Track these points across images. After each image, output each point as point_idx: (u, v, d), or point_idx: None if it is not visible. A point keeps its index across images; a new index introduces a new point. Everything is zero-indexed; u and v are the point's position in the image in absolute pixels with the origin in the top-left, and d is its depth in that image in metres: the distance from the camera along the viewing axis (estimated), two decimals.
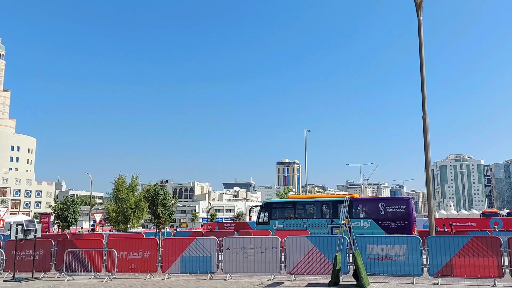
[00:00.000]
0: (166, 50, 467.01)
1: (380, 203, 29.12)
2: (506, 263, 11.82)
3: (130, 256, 14.56)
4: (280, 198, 46.33)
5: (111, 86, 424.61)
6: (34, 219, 48.72)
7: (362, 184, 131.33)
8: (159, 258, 14.49)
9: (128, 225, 36.34)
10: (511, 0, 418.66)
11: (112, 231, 37.49)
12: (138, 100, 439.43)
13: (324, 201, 31.60)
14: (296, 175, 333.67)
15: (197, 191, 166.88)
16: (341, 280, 12.41)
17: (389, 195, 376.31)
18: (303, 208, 31.83)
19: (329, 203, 31.07)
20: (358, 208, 29.79)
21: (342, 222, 13.84)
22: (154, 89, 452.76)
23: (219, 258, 14.03)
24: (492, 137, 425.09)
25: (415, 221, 29.90)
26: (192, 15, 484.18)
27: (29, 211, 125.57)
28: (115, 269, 14.26)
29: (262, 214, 31.03)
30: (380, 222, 28.22)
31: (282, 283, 12.75)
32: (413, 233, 25.64)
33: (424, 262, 12.47)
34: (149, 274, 14.37)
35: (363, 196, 39.10)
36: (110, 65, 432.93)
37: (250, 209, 29.39)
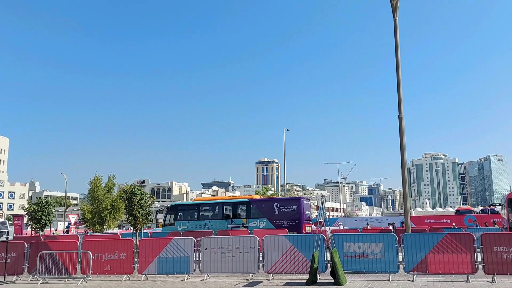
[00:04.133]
0: (139, 44, 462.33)
1: (275, 204, 31.35)
2: (479, 259, 12.05)
3: (105, 258, 14.33)
4: (260, 197, 46.60)
5: (86, 85, 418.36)
6: (7, 221, 47.67)
7: (340, 182, 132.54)
8: (136, 259, 14.30)
9: (104, 226, 35.87)
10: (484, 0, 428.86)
11: (88, 233, 36.89)
12: (114, 99, 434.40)
13: (225, 203, 33.65)
14: (275, 174, 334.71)
15: (175, 191, 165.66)
16: (318, 278, 12.45)
17: (366, 194, 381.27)
18: (206, 210, 33.56)
19: (230, 204, 33.16)
20: (255, 208, 31.83)
21: (320, 220, 13.88)
22: (130, 87, 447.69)
23: (197, 259, 13.92)
24: (466, 136, 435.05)
25: (310, 220, 32.49)
26: (171, 9, 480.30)
27: (2, 213, 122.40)
28: (90, 271, 14.00)
29: (168, 216, 32.47)
30: (274, 221, 30.38)
31: (260, 282, 12.73)
32: (303, 231, 27.43)
33: (400, 259, 12.62)
34: (125, 275, 14.17)
35: (264, 197, 41.93)
36: (85, 62, 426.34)
37: (157, 212, 30.45)
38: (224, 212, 32.73)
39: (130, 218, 21.08)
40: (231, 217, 32.10)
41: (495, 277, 11.65)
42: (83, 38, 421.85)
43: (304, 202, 32.21)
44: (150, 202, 21.84)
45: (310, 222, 32.30)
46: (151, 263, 14.04)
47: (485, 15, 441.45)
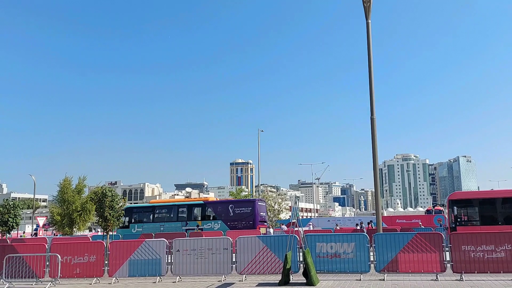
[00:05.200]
0: (110, 44, 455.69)
1: (230, 206, 32.15)
2: (448, 258, 12.30)
3: (75, 261, 14.05)
4: (234, 198, 46.88)
5: (55, 83, 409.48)
6: None
7: (314, 183, 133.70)
8: (106, 262, 14.06)
9: (74, 229, 35.20)
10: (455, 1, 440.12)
11: (57, 235, 36.12)
12: (84, 99, 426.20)
13: (180, 205, 34.07)
14: (249, 175, 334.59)
15: (147, 193, 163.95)
16: (291, 279, 12.49)
17: (339, 194, 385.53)
18: (161, 212, 34.00)
19: (185, 206, 33.65)
20: (210, 210, 32.58)
21: (293, 221, 13.92)
22: (102, 87, 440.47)
23: (169, 260, 13.78)
24: (436, 138, 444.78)
25: (265, 221, 33.36)
26: (146, 10, 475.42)
27: None
28: (59, 275, 13.68)
29: (122, 219, 32.95)
30: (229, 223, 31.13)
31: (233, 283, 12.68)
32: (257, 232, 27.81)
33: (372, 258, 12.78)
34: (95, 278, 13.90)
35: (219, 199, 42.74)
36: (55, 60, 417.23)
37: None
38: (179, 215, 32.97)
39: (100, 220, 20.71)
40: (186, 219, 32.39)
41: (463, 276, 11.92)
42: (57, 34, 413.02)
43: (259, 204, 32.81)
44: (121, 203, 21.51)
45: (265, 224, 33.12)
46: (122, 265, 13.83)
47: (459, 17, 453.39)
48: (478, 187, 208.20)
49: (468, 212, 25.44)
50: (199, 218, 32.56)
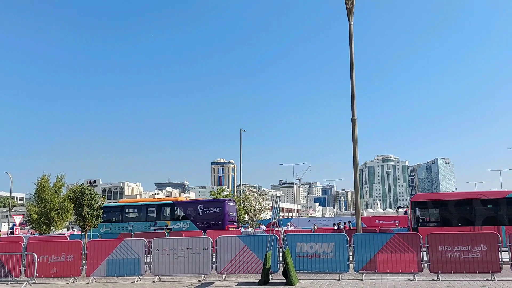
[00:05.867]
0: (92, 41, 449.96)
1: (200, 205, 32.35)
2: (425, 258, 12.48)
3: (52, 260, 13.82)
4: (214, 197, 46.91)
5: (33, 77, 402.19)
6: None
7: (295, 183, 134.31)
8: (84, 261, 13.88)
9: (52, 227, 34.70)
10: (435, 4, 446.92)
11: (34, 234, 35.50)
12: (62, 94, 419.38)
13: (149, 205, 34.16)
14: (231, 175, 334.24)
15: (127, 192, 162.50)
16: (271, 279, 12.51)
17: (320, 195, 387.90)
18: (130, 211, 34.02)
19: (154, 206, 33.82)
20: (179, 210, 32.75)
21: (274, 221, 13.94)
22: (81, 84, 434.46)
23: (148, 260, 13.67)
24: (416, 139, 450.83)
25: (235, 221, 33.69)
26: (130, 9, 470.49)
27: None
28: (35, 274, 13.44)
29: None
30: (198, 223, 31.33)
31: (212, 283, 12.65)
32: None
33: (350, 258, 12.89)
34: (73, 278, 13.71)
35: (188, 199, 43.12)
36: (32, 57, 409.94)
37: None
38: (148, 214, 32.97)
39: (78, 219, 20.42)
40: (155, 219, 32.42)
41: (439, 275, 12.11)
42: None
43: (229, 203, 33.05)
44: (100, 202, 21.25)
45: (235, 224, 33.32)
46: (100, 265, 13.66)
47: (443, 22, 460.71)
48: (456, 188, 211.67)
49: (430, 213, 26.11)
50: (168, 218, 32.61)
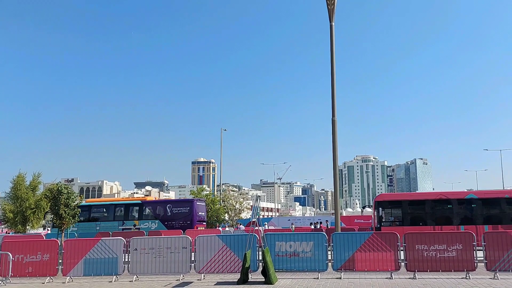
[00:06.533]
0: (69, 39, 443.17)
1: (168, 205, 32.50)
2: (402, 257, 12.66)
3: (27, 259, 13.58)
4: (194, 197, 46.70)
5: (8, 78, 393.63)
6: None
7: (276, 183, 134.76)
8: (60, 261, 13.66)
9: (28, 227, 34.09)
10: (420, 6, 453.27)
11: (9, 233, 34.82)
12: (37, 91, 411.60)
13: (117, 204, 34.17)
14: (211, 174, 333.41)
15: (105, 191, 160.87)
16: (250, 278, 12.52)
17: (300, 194, 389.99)
18: (98, 211, 33.94)
19: (122, 206, 33.81)
20: (148, 210, 32.80)
21: (254, 220, 13.94)
22: (59, 82, 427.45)
23: (126, 259, 13.52)
24: (395, 140, 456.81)
25: (204, 221, 33.91)
26: (113, 9, 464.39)
27: None
28: (10, 273, 13.18)
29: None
30: (166, 222, 31.52)
31: (191, 282, 12.60)
32: None
33: (329, 257, 12.98)
34: (49, 277, 13.49)
35: (157, 199, 43.36)
36: (8, 54, 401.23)
37: (46, 213, 30.79)
38: (116, 214, 32.92)
39: (55, 218, 20.10)
40: (123, 219, 32.40)
41: (416, 274, 12.29)
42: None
43: (198, 203, 33.20)
44: (77, 201, 20.95)
45: (204, 223, 33.47)
46: (76, 264, 13.46)
47: (423, 22, 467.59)
48: (433, 188, 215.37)
49: (392, 213, 26.68)
50: (137, 218, 32.52)
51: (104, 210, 33.59)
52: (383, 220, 25.96)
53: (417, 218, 25.81)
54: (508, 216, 24.62)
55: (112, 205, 34.02)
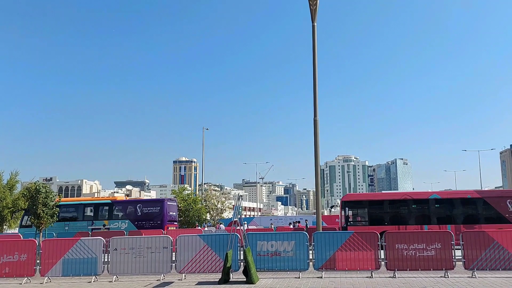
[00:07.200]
0: (49, 35, 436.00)
1: (138, 205, 32.44)
2: (382, 256, 12.78)
3: (3, 260, 13.31)
4: (175, 196, 46.29)
5: None
6: None
7: (258, 182, 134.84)
8: (38, 261, 13.42)
9: (4, 226, 33.43)
10: (400, 8, 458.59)
11: None
12: (16, 90, 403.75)
13: (86, 204, 34.04)
14: (193, 174, 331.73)
15: (85, 190, 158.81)
16: (231, 277, 12.48)
17: (282, 193, 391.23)
18: (66, 211, 33.36)
19: (91, 206, 33.70)
20: (118, 210, 32.65)
21: (235, 220, 13.91)
22: (37, 78, 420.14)
23: (106, 260, 13.36)
24: (376, 140, 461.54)
25: (176, 221, 33.86)
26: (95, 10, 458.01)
27: None
28: None
29: (26, 217, 31.84)
30: (136, 222, 31.40)
31: (172, 282, 12.51)
32: (164, 232, 28.26)
33: (310, 257, 13.02)
34: (26, 278, 13.24)
35: (128, 199, 43.31)
36: None
37: (13, 212, 30.55)
38: (85, 214, 32.66)
39: (33, 218, 19.72)
40: (92, 219, 32.21)
41: (396, 273, 12.42)
42: None
43: (168, 203, 33.16)
44: (56, 200, 20.60)
45: (175, 223, 33.40)
46: (55, 264, 13.24)
47: (400, 19, 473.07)
48: (413, 188, 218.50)
49: (358, 213, 27.07)
50: (106, 218, 32.29)
51: (73, 210, 33.20)
52: (350, 220, 26.32)
53: (383, 218, 26.20)
54: (470, 216, 25.22)
55: (81, 205, 33.72)
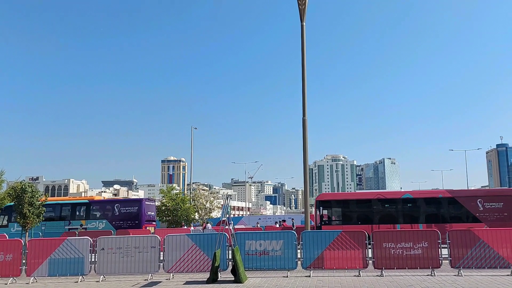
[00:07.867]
0: (19, 35, 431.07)
1: (116, 205, 32.54)
2: (370, 255, 12.86)
3: None
4: (163, 196, 45.96)
5: None
6: None
7: (247, 182, 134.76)
8: (24, 261, 13.26)
9: None
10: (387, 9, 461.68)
11: None
12: (1, 88, 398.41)
13: (63, 204, 33.95)
14: (181, 173, 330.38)
15: (72, 189, 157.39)
16: (219, 277, 12.45)
17: (271, 193, 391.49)
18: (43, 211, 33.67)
19: (68, 206, 33.67)
20: (95, 210, 32.76)
21: (224, 219, 13.87)
22: (21, 78, 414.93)
23: (93, 259, 13.25)
24: (364, 139, 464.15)
25: (154, 221, 34.18)
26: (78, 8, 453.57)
27: None
28: None
29: (1, 217, 32.01)
30: (114, 222, 31.48)
31: (160, 282, 12.44)
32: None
33: (299, 256, 13.05)
34: (11, 278, 13.07)
35: (105, 198, 43.39)
36: None
37: None
38: (62, 214, 32.60)
39: (19, 217, 19.48)
40: (69, 219, 32.19)
41: (383, 271, 12.50)
42: None
43: (146, 203, 33.29)
44: (42, 200, 20.39)
45: (154, 223, 33.43)
46: (41, 264, 13.09)
47: (389, 21, 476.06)
48: (401, 187, 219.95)
49: (332, 212, 27.29)
50: (84, 218, 32.21)
51: (51, 210, 32.82)
52: (324, 219, 26.47)
53: (356, 217, 26.45)
54: (442, 215, 25.55)
55: (58, 205, 33.53)
